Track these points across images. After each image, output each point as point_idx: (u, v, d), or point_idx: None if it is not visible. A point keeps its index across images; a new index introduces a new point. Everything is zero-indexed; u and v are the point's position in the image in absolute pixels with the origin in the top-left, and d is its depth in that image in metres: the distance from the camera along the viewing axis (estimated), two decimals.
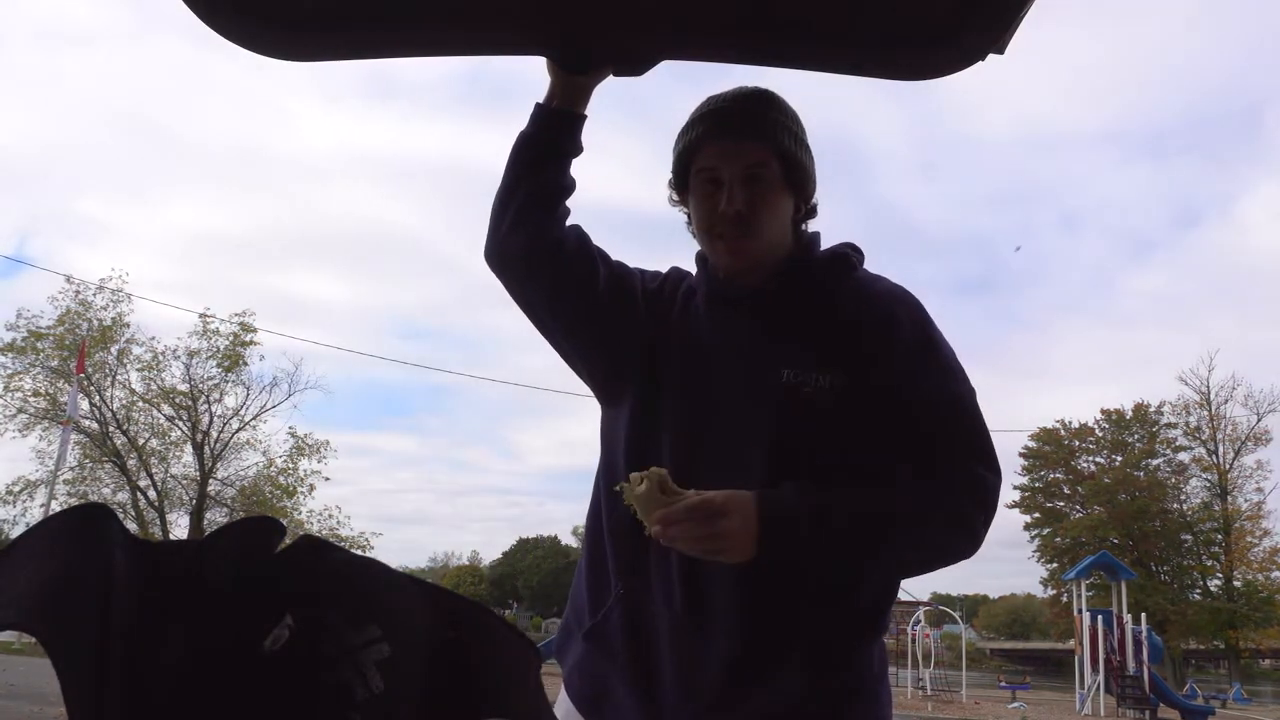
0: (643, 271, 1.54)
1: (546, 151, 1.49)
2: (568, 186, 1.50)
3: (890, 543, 1.27)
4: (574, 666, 1.44)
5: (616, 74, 1.52)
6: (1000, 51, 1.37)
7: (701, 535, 1.19)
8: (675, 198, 1.47)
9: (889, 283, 1.44)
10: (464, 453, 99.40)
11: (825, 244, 1.47)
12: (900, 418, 1.31)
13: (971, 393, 1.36)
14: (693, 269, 1.52)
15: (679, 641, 1.33)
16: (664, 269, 1.57)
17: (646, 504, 1.21)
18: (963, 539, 1.28)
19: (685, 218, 1.47)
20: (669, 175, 1.47)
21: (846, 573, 1.30)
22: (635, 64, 1.51)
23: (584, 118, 1.51)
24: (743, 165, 1.36)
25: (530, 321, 1.52)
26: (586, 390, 1.56)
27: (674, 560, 1.32)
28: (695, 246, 1.49)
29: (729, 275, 1.42)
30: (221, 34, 1.35)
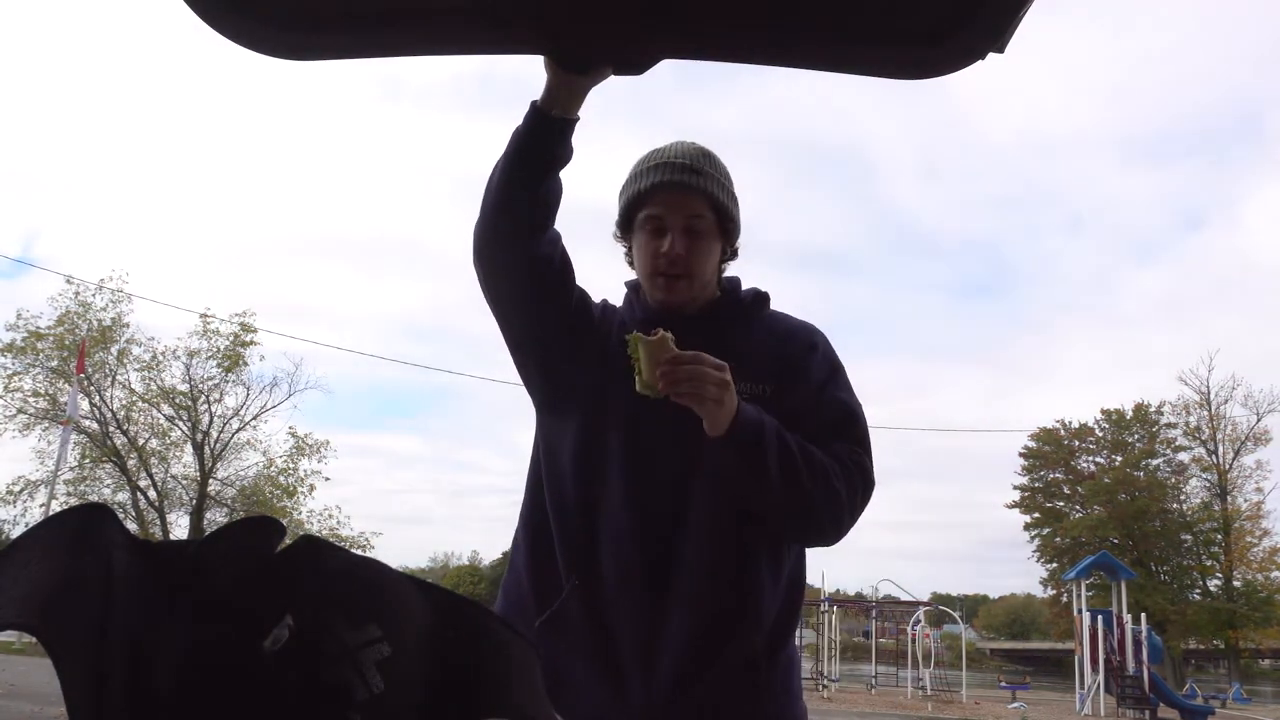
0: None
1: (542, 164, 1.51)
2: (558, 194, 1.54)
3: (810, 475, 1.46)
4: None
5: (616, 73, 1.52)
6: (1000, 50, 1.36)
7: (711, 380, 1.37)
8: (619, 235, 1.67)
9: (799, 319, 1.71)
10: (466, 453, 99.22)
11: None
12: (815, 420, 1.55)
13: (861, 407, 1.64)
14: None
15: (640, 620, 1.46)
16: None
17: (659, 351, 1.38)
18: (844, 506, 1.49)
19: (624, 250, 1.67)
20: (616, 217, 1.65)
21: (783, 486, 1.44)
22: (635, 63, 1.51)
23: (577, 121, 1.53)
24: (684, 215, 1.57)
25: (498, 323, 1.60)
26: None
27: (629, 548, 1.48)
28: None
29: (663, 307, 1.61)
30: (223, 33, 1.35)
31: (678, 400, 1.39)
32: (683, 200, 1.56)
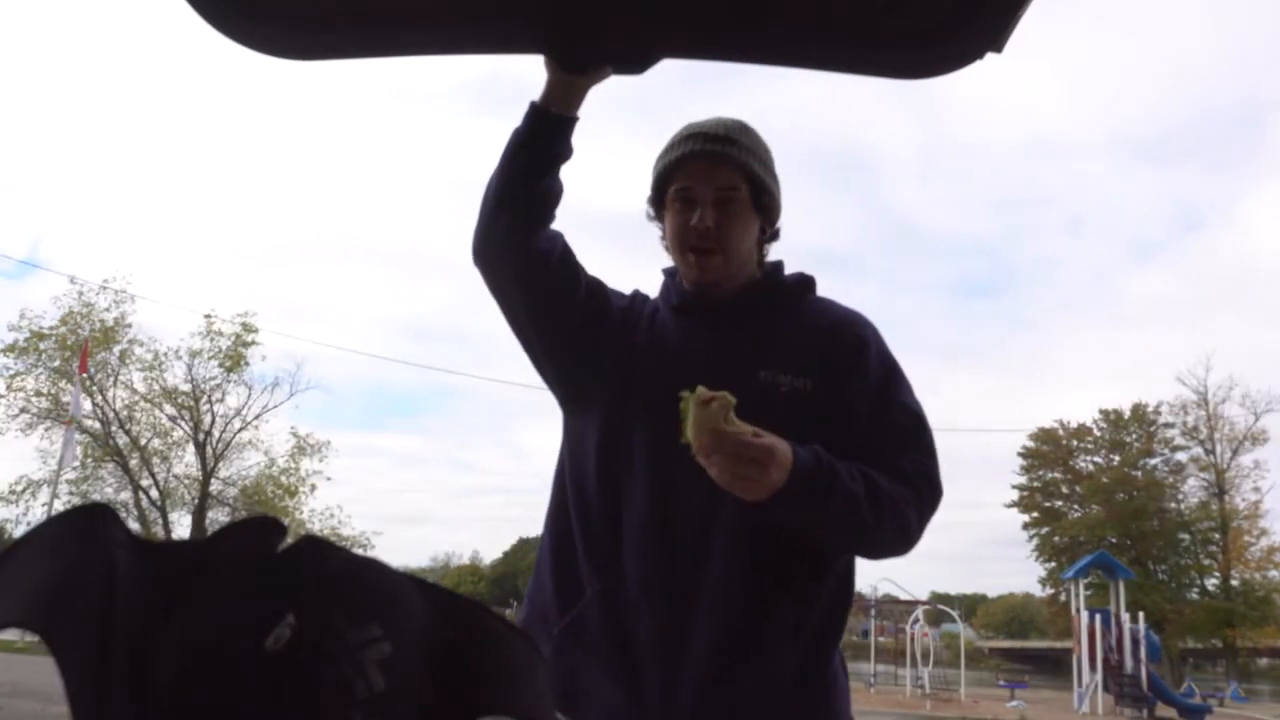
0: (612, 289, 1.61)
1: (541, 161, 1.50)
2: (558, 193, 1.53)
3: (876, 515, 1.34)
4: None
5: (616, 73, 1.52)
6: (999, 51, 1.37)
7: (744, 475, 1.25)
8: (652, 213, 1.59)
9: (848, 307, 1.58)
10: (467, 453, 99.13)
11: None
12: (877, 427, 1.44)
13: (923, 408, 1.51)
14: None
15: (661, 630, 1.38)
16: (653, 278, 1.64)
17: (709, 418, 1.23)
18: (912, 530, 1.40)
19: (659, 233, 1.59)
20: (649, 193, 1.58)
21: (834, 535, 1.37)
22: (635, 62, 1.51)
23: (577, 120, 1.53)
24: (715, 187, 1.48)
25: (507, 323, 1.57)
26: None
27: (652, 555, 1.40)
28: None
29: (697, 287, 1.53)
30: (226, 34, 1.35)
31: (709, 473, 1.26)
32: (714, 171, 1.49)
